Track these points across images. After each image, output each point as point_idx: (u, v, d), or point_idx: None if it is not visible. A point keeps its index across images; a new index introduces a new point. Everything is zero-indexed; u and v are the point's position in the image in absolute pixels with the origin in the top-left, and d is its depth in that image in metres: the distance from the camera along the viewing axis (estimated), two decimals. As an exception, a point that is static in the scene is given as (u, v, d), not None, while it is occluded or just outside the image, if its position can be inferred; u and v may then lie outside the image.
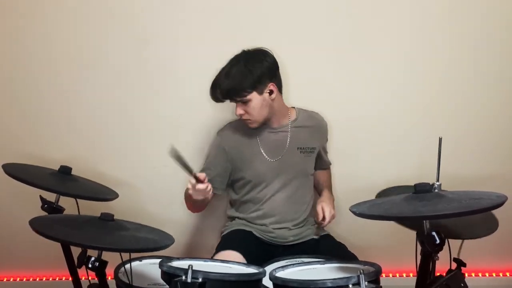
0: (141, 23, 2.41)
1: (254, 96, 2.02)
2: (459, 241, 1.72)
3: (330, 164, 2.37)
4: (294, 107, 2.25)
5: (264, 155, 2.15)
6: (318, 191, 2.31)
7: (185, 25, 2.39)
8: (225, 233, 2.22)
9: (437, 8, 2.36)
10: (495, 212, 1.71)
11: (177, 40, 2.41)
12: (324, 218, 2.06)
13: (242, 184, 2.20)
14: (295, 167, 2.17)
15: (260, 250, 2.07)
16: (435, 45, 2.37)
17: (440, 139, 1.63)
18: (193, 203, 2.09)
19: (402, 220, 1.68)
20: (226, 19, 2.38)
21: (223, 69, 2.05)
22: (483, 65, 2.39)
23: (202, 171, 2.12)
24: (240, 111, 2.06)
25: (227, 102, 2.11)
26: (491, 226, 1.80)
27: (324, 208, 2.08)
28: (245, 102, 2.03)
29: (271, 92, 2.06)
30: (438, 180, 1.60)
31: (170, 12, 2.40)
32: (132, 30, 2.41)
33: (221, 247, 2.04)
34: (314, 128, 2.24)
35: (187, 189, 1.96)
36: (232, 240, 2.09)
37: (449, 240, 1.54)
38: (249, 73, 2.00)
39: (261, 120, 2.10)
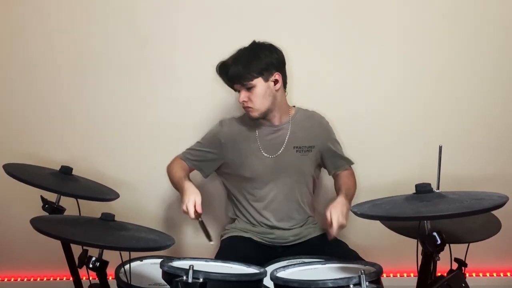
0: (141, 23, 2.42)
1: (259, 82, 2.03)
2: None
3: (349, 164, 2.23)
4: (294, 106, 2.26)
5: (261, 151, 2.15)
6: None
7: (185, 25, 2.40)
8: (224, 237, 2.22)
9: (438, 9, 2.36)
10: (496, 212, 1.70)
11: (177, 40, 2.42)
12: (331, 225, 1.89)
13: (237, 179, 2.20)
14: (290, 166, 2.16)
15: (260, 255, 2.05)
16: (436, 46, 2.38)
17: (440, 148, 1.61)
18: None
19: (404, 221, 1.68)
20: (226, 19, 2.39)
21: (233, 54, 2.07)
22: (484, 65, 2.39)
23: (193, 146, 2.23)
24: (243, 97, 2.06)
25: (231, 97, 2.10)
26: (493, 228, 1.80)
27: (332, 214, 1.89)
28: (250, 88, 2.04)
29: (276, 82, 2.07)
30: (438, 188, 1.56)
31: (170, 12, 2.40)
32: (132, 30, 2.41)
33: (221, 257, 2.00)
34: (313, 127, 2.23)
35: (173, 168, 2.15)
36: (231, 251, 2.07)
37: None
38: (257, 58, 2.03)
39: (263, 110, 2.09)
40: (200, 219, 1.94)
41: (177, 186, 2.10)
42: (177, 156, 2.23)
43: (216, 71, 2.11)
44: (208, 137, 2.22)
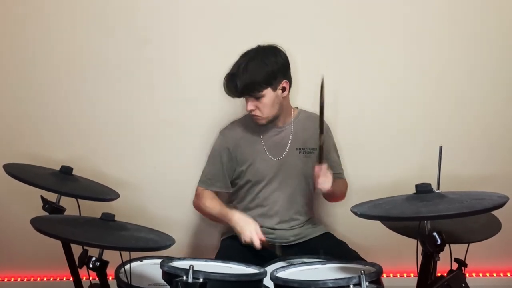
0: (142, 23, 2.42)
1: (268, 92, 2.02)
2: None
3: (342, 176, 2.26)
4: (296, 107, 2.25)
5: (267, 153, 2.15)
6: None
7: (186, 24, 2.40)
8: (224, 237, 2.22)
9: (438, 9, 2.36)
10: (496, 212, 1.71)
11: (178, 40, 2.42)
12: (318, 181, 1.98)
13: (240, 182, 2.19)
14: (294, 168, 2.16)
15: (261, 255, 2.03)
16: (436, 46, 2.38)
17: (441, 148, 1.61)
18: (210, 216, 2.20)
19: (404, 221, 1.68)
20: (227, 19, 2.39)
21: (239, 63, 2.03)
22: (484, 65, 2.39)
23: (206, 170, 2.19)
24: (251, 106, 2.05)
25: (232, 99, 2.10)
26: (493, 228, 1.80)
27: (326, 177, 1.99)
28: (258, 98, 2.02)
29: (283, 89, 2.06)
30: (438, 188, 1.57)
31: (170, 12, 2.40)
32: (133, 30, 2.41)
33: (221, 257, 2.02)
34: (314, 129, 2.23)
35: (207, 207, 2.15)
36: (232, 251, 2.07)
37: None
38: (265, 68, 2.00)
39: (271, 117, 2.09)
40: (265, 243, 1.98)
41: (219, 218, 2.13)
42: (198, 187, 2.21)
43: (223, 84, 2.05)
44: (215, 153, 2.20)
